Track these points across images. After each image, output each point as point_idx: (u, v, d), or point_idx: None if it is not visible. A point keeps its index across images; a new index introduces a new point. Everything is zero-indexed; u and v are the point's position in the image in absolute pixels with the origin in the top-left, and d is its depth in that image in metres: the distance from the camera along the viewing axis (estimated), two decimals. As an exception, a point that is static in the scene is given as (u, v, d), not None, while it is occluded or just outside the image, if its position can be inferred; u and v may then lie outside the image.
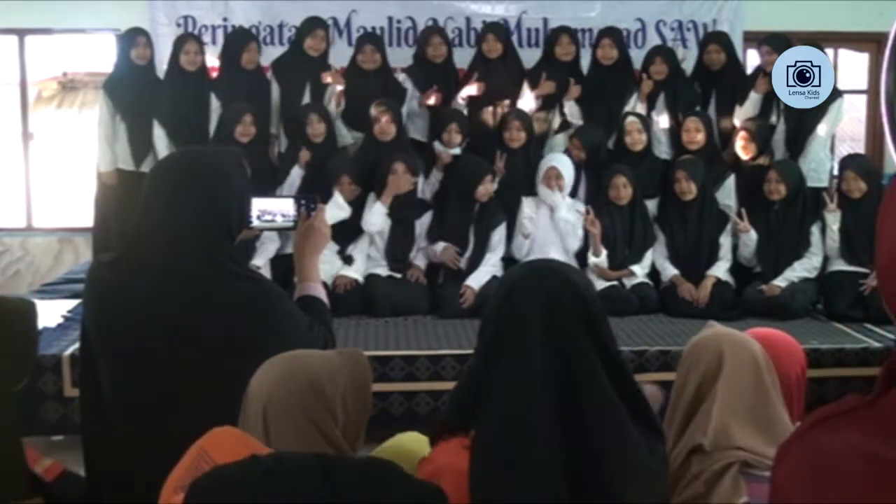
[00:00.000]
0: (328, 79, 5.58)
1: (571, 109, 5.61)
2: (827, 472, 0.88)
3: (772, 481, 0.98)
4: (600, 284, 4.98)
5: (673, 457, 1.75)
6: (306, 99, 5.59)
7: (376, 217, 5.02)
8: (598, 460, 1.38)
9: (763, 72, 5.43)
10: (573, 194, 5.29)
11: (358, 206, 5.08)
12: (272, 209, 2.11)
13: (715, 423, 1.72)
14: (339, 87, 5.53)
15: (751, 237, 5.01)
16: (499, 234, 5.09)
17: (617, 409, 1.42)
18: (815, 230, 5.03)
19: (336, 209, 4.82)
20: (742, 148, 5.29)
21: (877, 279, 0.98)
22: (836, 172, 5.46)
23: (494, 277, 4.81)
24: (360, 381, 1.64)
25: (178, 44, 5.71)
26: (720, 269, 5.01)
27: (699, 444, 1.71)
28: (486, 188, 5.01)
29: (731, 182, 5.30)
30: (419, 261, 5.13)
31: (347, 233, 5.00)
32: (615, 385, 1.44)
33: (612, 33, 5.77)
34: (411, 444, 1.85)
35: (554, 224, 5.13)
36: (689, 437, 1.76)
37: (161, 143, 5.56)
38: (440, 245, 5.05)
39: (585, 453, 1.38)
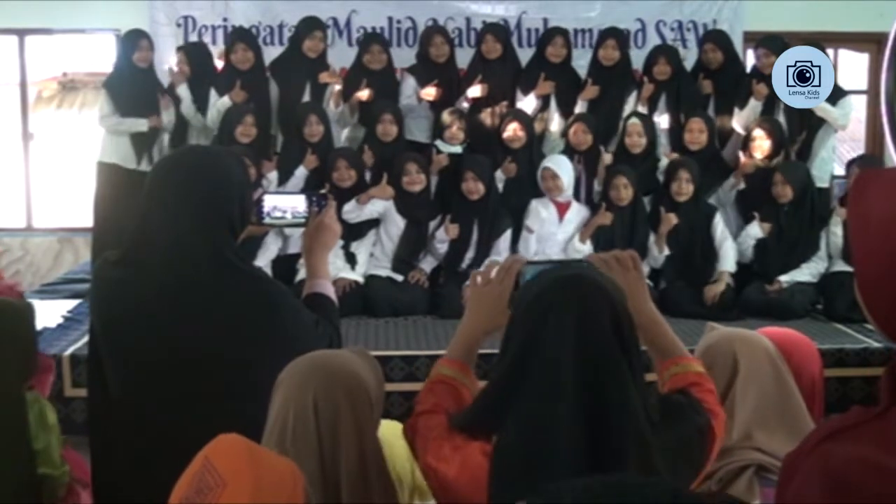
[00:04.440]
0: (326, 78, 5.58)
1: (582, 108, 5.57)
2: (838, 486, 0.88)
3: (780, 497, 0.96)
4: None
5: None
6: (306, 100, 5.58)
7: (377, 205, 5.05)
8: (621, 468, 1.36)
9: (760, 76, 5.39)
10: (577, 195, 5.29)
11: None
12: (283, 205, 2.11)
13: (738, 423, 1.68)
14: (338, 87, 5.54)
15: (754, 232, 5.01)
16: (504, 241, 5.09)
17: (640, 419, 1.40)
18: (823, 234, 5.03)
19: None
20: (758, 148, 5.20)
21: (861, 301, 0.98)
22: (836, 172, 5.46)
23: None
24: (381, 382, 1.67)
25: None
26: (728, 262, 4.98)
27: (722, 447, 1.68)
28: (469, 186, 4.98)
29: (729, 184, 5.29)
30: (425, 264, 5.13)
31: (352, 230, 5.01)
32: (638, 392, 1.43)
33: (616, 34, 5.73)
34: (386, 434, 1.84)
35: (562, 225, 5.12)
36: None
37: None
38: (441, 231, 5.06)
39: (609, 462, 1.35)
